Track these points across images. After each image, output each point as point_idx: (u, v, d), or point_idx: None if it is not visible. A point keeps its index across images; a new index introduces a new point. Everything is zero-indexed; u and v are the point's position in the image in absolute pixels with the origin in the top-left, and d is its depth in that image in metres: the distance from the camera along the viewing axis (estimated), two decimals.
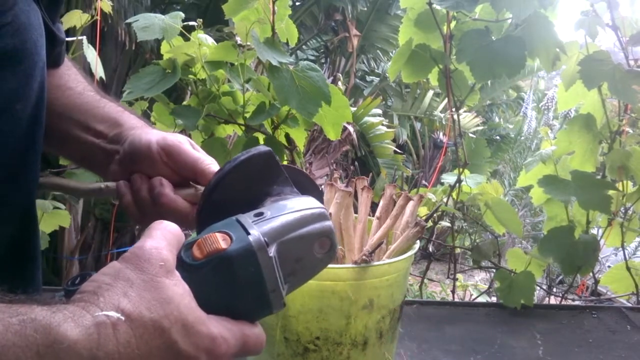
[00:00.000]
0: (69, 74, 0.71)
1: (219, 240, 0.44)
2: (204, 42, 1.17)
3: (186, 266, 0.43)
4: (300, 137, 1.32)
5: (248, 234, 0.44)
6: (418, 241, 0.80)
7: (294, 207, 0.49)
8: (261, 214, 0.48)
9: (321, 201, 0.59)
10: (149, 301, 0.39)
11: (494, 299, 1.65)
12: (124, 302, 0.39)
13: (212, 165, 0.61)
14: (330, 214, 0.77)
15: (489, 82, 4.48)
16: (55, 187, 0.72)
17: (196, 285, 0.43)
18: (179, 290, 0.41)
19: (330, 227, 0.49)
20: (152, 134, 0.63)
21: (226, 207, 0.51)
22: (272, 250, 0.44)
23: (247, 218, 0.47)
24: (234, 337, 0.43)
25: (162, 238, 0.44)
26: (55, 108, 0.66)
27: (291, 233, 0.46)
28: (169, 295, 0.40)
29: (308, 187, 0.59)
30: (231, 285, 0.44)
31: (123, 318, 0.38)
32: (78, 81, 0.71)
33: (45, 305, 0.37)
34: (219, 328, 0.42)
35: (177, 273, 0.42)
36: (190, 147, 0.62)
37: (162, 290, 0.40)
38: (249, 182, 0.54)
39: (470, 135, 4.68)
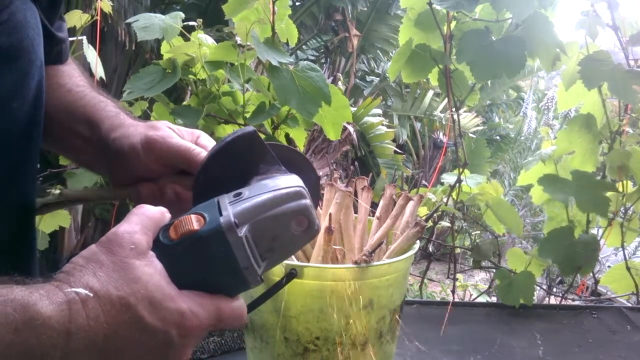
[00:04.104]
0: (63, 70, 0.70)
1: (192, 221, 0.46)
2: (204, 42, 1.17)
3: (161, 246, 0.46)
4: (300, 137, 1.32)
5: (221, 215, 0.47)
6: (418, 241, 0.80)
7: (272, 186, 0.50)
8: (240, 194, 0.50)
9: (314, 176, 0.61)
10: (116, 280, 0.43)
11: (494, 299, 1.65)
12: (92, 281, 0.42)
13: (201, 153, 0.61)
14: (330, 214, 0.77)
15: (489, 82, 4.49)
16: (78, 200, 0.72)
17: (171, 264, 0.46)
18: (148, 270, 0.44)
19: (306, 205, 0.50)
20: (133, 136, 0.62)
21: (217, 186, 0.53)
22: (243, 230, 0.46)
23: (225, 199, 0.49)
24: (206, 311, 0.46)
25: (138, 222, 0.47)
26: (47, 107, 0.65)
27: (265, 213, 0.48)
28: (137, 275, 0.43)
29: (299, 164, 0.60)
30: (204, 263, 0.46)
31: (91, 295, 0.42)
32: (71, 76, 0.70)
33: (24, 285, 0.41)
34: (189, 303, 0.45)
35: (149, 254, 0.45)
36: (175, 137, 0.61)
37: (130, 270, 0.43)
38: (236, 162, 0.56)
39: (470, 135, 4.68)
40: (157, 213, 0.49)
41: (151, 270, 0.44)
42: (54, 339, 0.40)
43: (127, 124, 0.65)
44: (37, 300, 0.40)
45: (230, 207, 0.48)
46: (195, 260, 0.46)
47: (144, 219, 0.47)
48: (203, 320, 0.45)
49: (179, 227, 0.46)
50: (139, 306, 0.43)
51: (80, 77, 0.71)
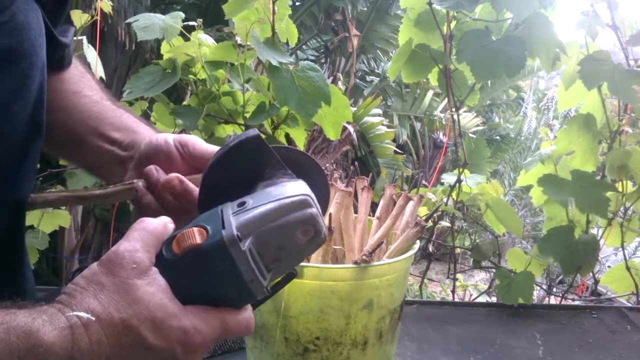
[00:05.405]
0: (84, 82, 0.71)
1: (195, 235, 0.46)
2: (204, 42, 1.17)
3: (164, 261, 0.46)
4: (300, 137, 1.32)
5: (224, 227, 0.46)
6: (418, 241, 0.80)
7: (277, 194, 0.49)
8: (244, 203, 0.49)
9: (322, 178, 0.59)
10: (117, 302, 0.43)
11: (494, 299, 1.65)
12: (94, 304, 0.42)
13: None
14: (330, 214, 0.77)
15: (489, 82, 4.49)
16: (71, 200, 0.71)
17: (175, 278, 0.45)
18: (150, 289, 0.44)
19: (312, 214, 0.48)
20: (167, 135, 0.64)
21: (222, 193, 0.52)
22: (246, 244, 0.46)
23: (229, 209, 0.48)
24: (211, 327, 0.46)
25: (138, 239, 0.46)
26: (72, 114, 0.67)
27: (269, 224, 0.47)
28: (138, 296, 0.43)
29: (306, 166, 0.59)
30: (208, 277, 0.46)
31: (93, 318, 0.42)
32: (94, 89, 0.71)
33: (28, 310, 0.41)
34: (193, 320, 0.45)
35: (152, 272, 0.45)
36: (204, 143, 0.64)
37: (131, 291, 0.43)
38: (241, 167, 0.55)
39: (470, 135, 4.68)
40: (159, 226, 0.48)
41: (153, 289, 0.44)
42: None
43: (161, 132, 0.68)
44: (40, 327, 0.40)
45: (233, 219, 0.47)
46: (199, 275, 0.46)
47: (144, 235, 0.47)
48: (207, 335, 0.45)
49: (181, 241, 0.46)
50: (142, 327, 0.43)
51: (101, 92, 0.72)
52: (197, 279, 0.46)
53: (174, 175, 0.60)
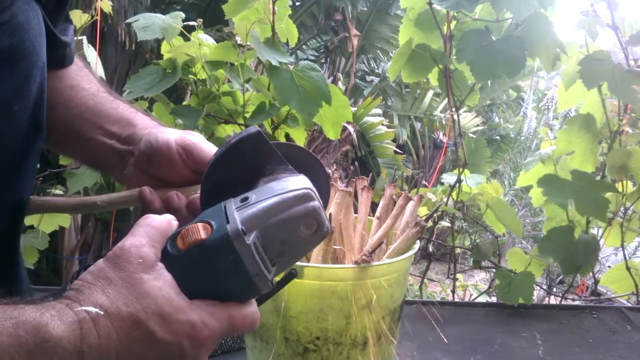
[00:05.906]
0: (82, 75, 0.71)
1: (199, 230, 0.46)
2: (204, 42, 1.17)
3: (170, 257, 0.46)
4: (300, 137, 1.32)
5: (228, 222, 0.46)
6: (418, 241, 0.80)
7: (279, 189, 0.49)
8: (246, 198, 0.49)
9: (324, 174, 0.59)
10: (125, 296, 0.43)
11: (494, 299, 1.65)
12: (102, 299, 0.42)
13: None
14: (330, 214, 0.77)
15: (489, 82, 4.49)
16: (76, 208, 0.70)
17: (181, 274, 0.46)
18: (157, 283, 0.44)
19: (314, 207, 0.48)
20: (169, 133, 0.63)
21: (224, 190, 0.52)
22: (251, 238, 0.46)
23: (232, 204, 0.49)
24: (218, 321, 0.46)
25: (144, 235, 0.47)
26: (70, 109, 0.66)
27: (273, 217, 0.47)
28: (146, 290, 0.43)
29: (307, 162, 0.59)
30: (213, 272, 0.46)
31: (102, 313, 0.41)
32: (91, 82, 0.71)
33: (36, 305, 0.41)
34: (200, 314, 0.45)
35: (158, 267, 0.45)
36: (207, 145, 0.63)
37: (139, 285, 0.43)
38: (242, 163, 0.55)
39: (470, 135, 4.67)
40: (164, 223, 0.48)
41: (160, 284, 0.44)
42: (67, 359, 0.40)
43: (160, 125, 0.67)
44: (49, 322, 0.40)
45: (237, 214, 0.47)
46: (204, 270, 0.46)
47: (150, 231, 0.47)
48: (214, 329, 0.46)
49: (186, 236, 0.46)
50: (150, 321, 0.43)
51: (98, 84, 0.72)
52: (202, 274, 0.46)
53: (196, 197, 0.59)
